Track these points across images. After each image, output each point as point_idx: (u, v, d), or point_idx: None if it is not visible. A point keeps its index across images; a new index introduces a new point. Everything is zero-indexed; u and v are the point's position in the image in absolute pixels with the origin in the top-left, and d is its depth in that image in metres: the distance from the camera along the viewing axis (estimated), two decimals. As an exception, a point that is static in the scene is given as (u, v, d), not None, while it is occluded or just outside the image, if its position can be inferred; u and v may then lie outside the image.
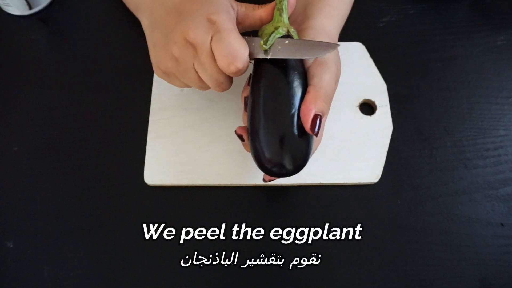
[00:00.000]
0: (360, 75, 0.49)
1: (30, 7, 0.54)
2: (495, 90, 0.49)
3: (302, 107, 0.34)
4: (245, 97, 0.38)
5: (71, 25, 0.54)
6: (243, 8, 0.38)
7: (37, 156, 0.46)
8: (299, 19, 0.40)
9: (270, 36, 0.36)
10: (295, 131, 0.33)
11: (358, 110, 0.47)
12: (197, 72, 0.36)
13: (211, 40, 0.34)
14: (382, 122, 0.46)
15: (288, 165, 0.33)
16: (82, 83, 0.50)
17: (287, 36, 0.36)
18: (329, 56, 0.36)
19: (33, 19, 0.55)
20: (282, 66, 0.36)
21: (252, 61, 0.37)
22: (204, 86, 0.38)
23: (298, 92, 0.35)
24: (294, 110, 0.34)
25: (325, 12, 0.40)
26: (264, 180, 0.40)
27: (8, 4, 0.53)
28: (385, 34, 0.53)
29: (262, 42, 0.36)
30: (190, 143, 0.45)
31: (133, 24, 0.46)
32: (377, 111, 0.47)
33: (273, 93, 0.35)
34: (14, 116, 0.48)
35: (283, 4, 0.36)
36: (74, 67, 0.51)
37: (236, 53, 0.33)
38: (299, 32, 0.38)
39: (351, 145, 0.45)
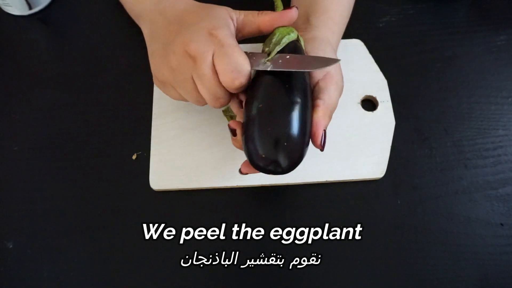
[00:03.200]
0: (360, 71, 0.49)
1: (30, 7, 0.54)
2: (495, 90, 0.49)
3: (314, 123, 0.35)
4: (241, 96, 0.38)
5: (71, 25, 0.54)
6: (242, 16, 0.38)
7: (37, 156, 0.46)
8: (303, 27, 0.42)
9: (277, 44, 0.36)
10: (293, 130, 0.33)
11: (360, 106, 0.47)
12: (195, 84, 0.36)
13: (213, 54, 0.34)
14: (384, 117, 0.47)
15: (283, 163, 0.33)
16: (82, 83, 0.50)
17: (297, 41, 0.37)
18: (338, 72, 0.38)
19: (33, 19, 0.55)
20: (282, 73, 0.36)
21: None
22: (201, 100, 0.37)
23: (298, 95, 0.34)
24: (293, 110, 0.33)
25: (329, 26, 0.42)
26: (240, 172, 0.38)
27: (8, 4, 0.53)
28: (385, 34, 0.53)
29: (265, 58, 0.36)
30: (193, 146, 0.45)
31: (133, 24, 0.46)
32: (379, 107, 0.47)
33: (271, 92, 0.35)
34: (14, 116, 0.48)
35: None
36: (74, 67, 0.51)
37: (241, 68, 0.34)
38: (305, 40, 0.39)
39: (355, 141, 0.45)
